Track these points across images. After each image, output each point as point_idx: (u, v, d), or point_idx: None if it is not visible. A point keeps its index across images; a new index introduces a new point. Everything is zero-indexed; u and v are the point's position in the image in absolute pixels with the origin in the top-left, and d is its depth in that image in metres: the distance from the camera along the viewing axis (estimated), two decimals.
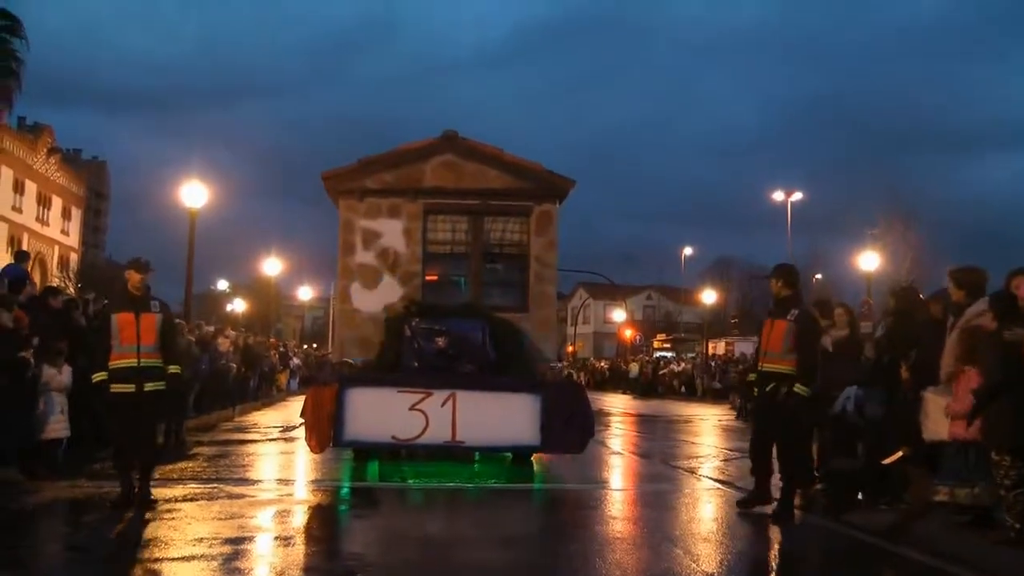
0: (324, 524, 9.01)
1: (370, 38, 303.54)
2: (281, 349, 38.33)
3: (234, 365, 23.07)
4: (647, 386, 46.96)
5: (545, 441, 11.75)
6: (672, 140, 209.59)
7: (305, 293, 71.66)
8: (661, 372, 48.17)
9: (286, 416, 23.24)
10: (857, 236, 43.26)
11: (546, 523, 9.62)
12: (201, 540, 7.53)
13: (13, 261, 16.55)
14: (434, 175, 13.64)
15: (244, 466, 13.17)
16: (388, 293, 13.40)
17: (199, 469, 12.21)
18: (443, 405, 11.55)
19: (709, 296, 58.45)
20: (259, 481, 11.50)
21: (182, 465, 12.51)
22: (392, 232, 13.48)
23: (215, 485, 10.68)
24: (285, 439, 17.02)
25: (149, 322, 9.37)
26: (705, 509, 10.35)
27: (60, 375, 11.23)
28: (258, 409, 25.74)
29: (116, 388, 8.98)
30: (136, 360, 9.16)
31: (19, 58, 32.02)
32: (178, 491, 10.06)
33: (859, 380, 9.67)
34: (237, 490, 10.36)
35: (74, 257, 64.89)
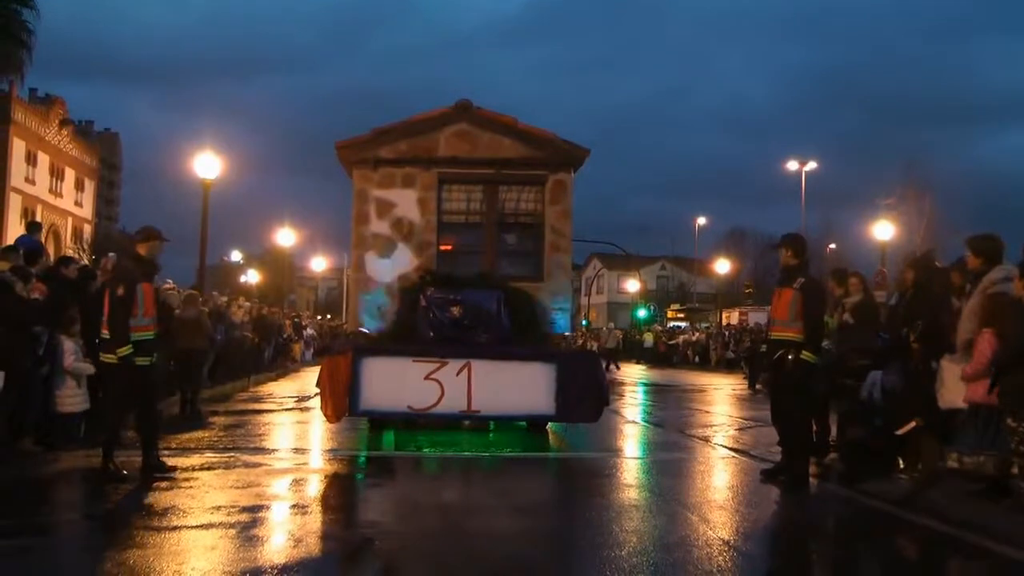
0: (340, 493, 9.03)
1: (383, 10, 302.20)
2: (295, 320, 38.41)
3: (249, 335, 23.13)
4: (661, 356, 46.98)
5: (560, 410, 11.75)
6: (686, 113, 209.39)
7: (319, 264, 71.70)
8: (672, 342, 48.16)
9: (300, 386, 23.33)
10: (870, 207, 43.03)
11: (562, 491, 9.66)
12: (219, 508, 7.57)
13: (26, 232, 16.56)
14: (448, 145, 13.56)
15: (260, 436, 13.22)
16: (403, 263, 13.36)
17: (215, 439, 12.26)
18: (458, 374, 11.55)
19: (723, 266, 58.27)
20: (275, 450, 11.54)
21: (199, 435, 12.58)
22: (406, 202, 13.42)
23: (231, 454, 10.73)
24: (300, 409, 17.10)
25: (153, 292, 9.45)
26: (720, 477, 10.36)
27: (78, 348, 11.25)
28: (273, 380, 25.81)
29: (140, 360, 8.97)
30: (154, 332, 9.22)
31: (29, 29, 32.07)
32: (195, 460, 10.11)
33: (879, 363, 9.70)
34: (253, 459, 10.40)
35: (88, 228, 65.07)
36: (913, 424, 9.04)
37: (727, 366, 38.66)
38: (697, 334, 48.46)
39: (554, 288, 13.59)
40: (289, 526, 7.16)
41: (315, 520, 7.52)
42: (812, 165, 47.64)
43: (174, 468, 9.15)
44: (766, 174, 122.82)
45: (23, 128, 54.53)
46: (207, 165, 23.77)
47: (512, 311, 12.49)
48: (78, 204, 64.04)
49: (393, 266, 13.34)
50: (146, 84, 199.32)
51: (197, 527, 6.88)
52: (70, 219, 62.06)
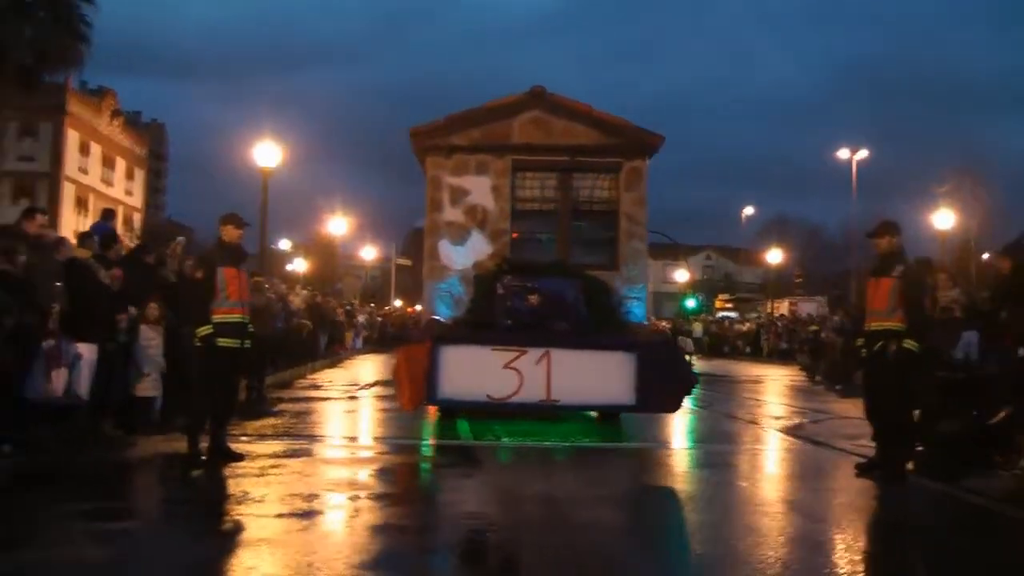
0: (432, 483, 8.95)
1: (428, 3, 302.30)
2: (348, 307, 38.48)
3: (307, 323, 23.14)
4: (712, 346, 46.55)
5: (640, 400, 11.59)
6: (728, 101, 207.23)
7: (368, 253, 71.69)
8: (729, 333, 47.71)
9: (356, 374, 23.37)
10: (922, 196, 42.36)
11: (653, 482, 9.43)
12: (313, 497, 7.50)
13: (100, 220, 16.62)
14: (522, 131, 13.45)
15: (331, 423, 13.20)
16: (477, 250, 13.27)
17: (288, 426, 12.24)
18: (537, 363, 11.42)
19: (775, 255, 57.57)
20: (352, 438, 11.49)
21: (271, 422, 12.56)
22: (480, 189, 13.33)
23: (309, 442, 10.70)
24: (368, 397, 17.03)
25: (246, 278, 9.40)
26: (810, 470, 10.13)
27: (156, 334, 11.27)
28: (328, 367, 25.85)
29: (222, 343, 8.91)
30: (242, 315, 9.16)
31: (88, 22, 32.29)
32: (275, 447, 10.09)
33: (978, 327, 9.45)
34: (333, 447, 10.37)
35: (138, 217, 65.58)
36: (1003, 414, 8.79)
37: (780, 357, 38.21)
38: (748, 324, 47.98)
39: (629, 276, 13.44)
40: (392, 516, 7.04)
41: (415, 510, 7.43)
42: (863, 153, 46.84)
43: (244, 455, 9.08)
44: (811, 163, 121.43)
45: (77, 119, 55.13)
46: (266, 153, 23.76)
47: (589, 300, 12.34)
48: (128, 193, 64.55)
49: (467, 253, 13.23)
50: (191, 76, 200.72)
51: (295, 515, 6.79)
52: (121, 207, 62.50)
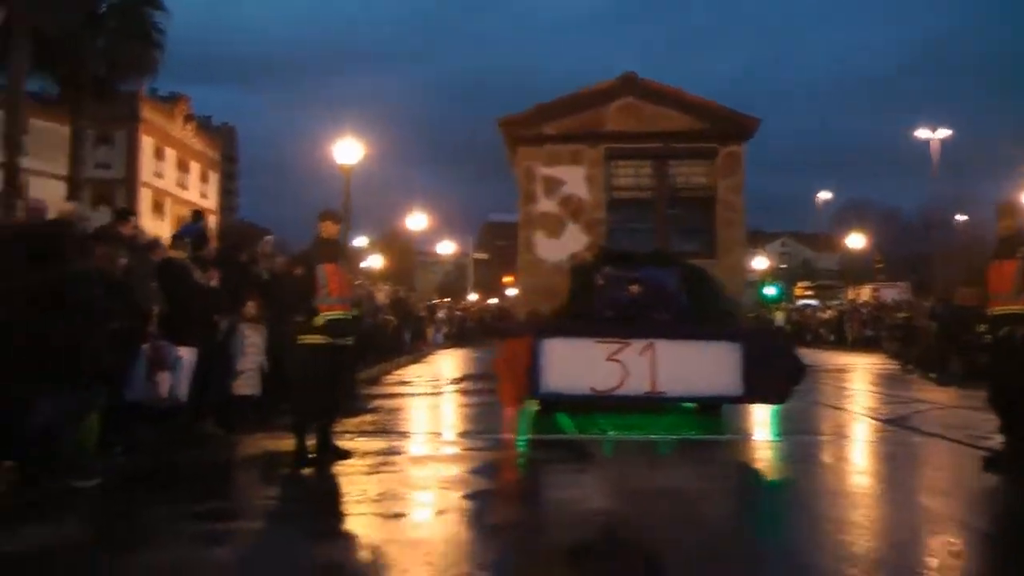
0: (548, 478, 8.70)
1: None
2: (430, 303, 38.54)
3: (392, 318, 23.14)
4: (794, 334, 45.70)
5: (747, 390, 11.26)
6: (795, 84, 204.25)
7: (446, 247, 71.65)
8: (805, 321, 46.86)
9: (441, 370, 23.27)
10: (1006, 176, 41.11)
11: (775, 476, 9.11)
12: (426, 495, 7.38)
13: (190, 221, 16.67)
14: (615, 119, 13.21)
15: (430, 419, 13.09)
16: (572, 241, 13.03)
17: (386, 421, 12.20)
18: (641, 355, 11.16)
19: (856, 240, 56.32)
20: (454, 434, 11.35)
21: (369, 418, 12.47)
22: (575, 178, 13.12)
23: (410, 438, 10.66)
24: (458, 392, 16.90)
25: (346, 274, 9.28)
26: (932, 463, 9.74)
27: (254, 332, 11.24)
28: (412, 363, 25.79)
29: (325, 339, 8.80)
30: (343, 312, 9.05)
31: (161, 29, 32.64)
32: (377, 444, 9.99)
33: None
34: (438, 443, 10.27)
35: (214, 219, 66.47)
36: None
37: (865, 344, 37.37)
38: (830, 311, 47.05)
39: (729, 264, 13.11)
40: (516, 514, 6.93)
41: (538, 508, 7.27)
42: (944, 132, 45.61)
43: (351, 453, 8.97)
44: (878, 143, 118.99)
45: (151, 125, 55.98)
46: (347, 151, 23.80)
47: (691, 289, 12.05)
48: (203, 196, 65.37)
49: (563, 244, 13.01)
50: (257, 80, 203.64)
51: (415, 514, 6.71)
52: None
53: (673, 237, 13.18)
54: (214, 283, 10.96)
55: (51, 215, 9.86)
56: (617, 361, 11.13)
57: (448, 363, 26.93)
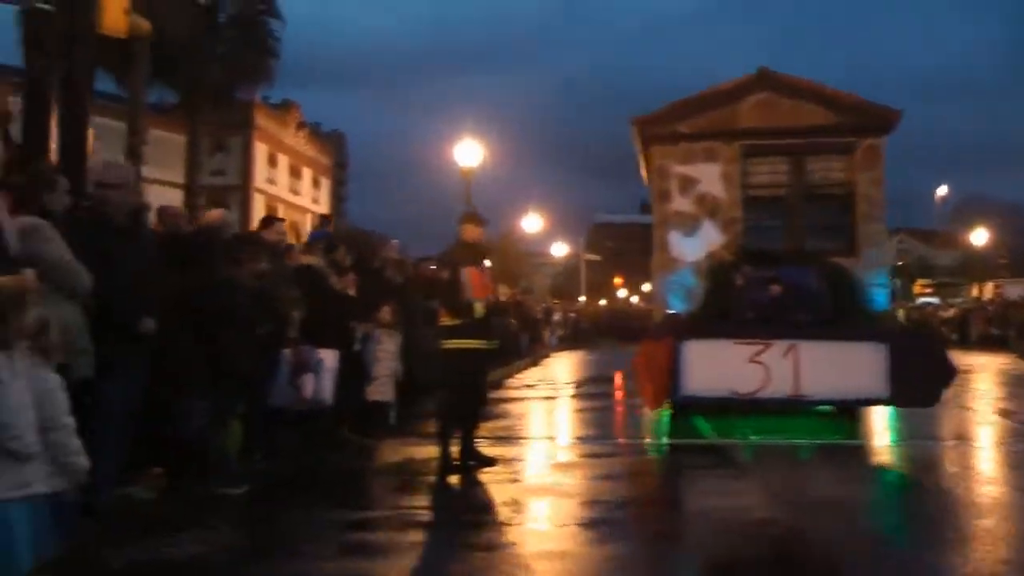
0: (701, 485, 8.47)
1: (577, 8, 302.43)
2: (545, 306, 38.47)
3: (514, 321, 23.09)
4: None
5: (894, 393, 10.84)
6: (903, 77, 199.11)
7: (560, 249, 71.25)
8: (926, 320, 45.51)
9: (561, 373, 23.12)
10: None
11: (934, 484, 8.63)
12: (580, 503, 7.17)
13: (319, 226, 16.83)
14: (750, 115, 12.91)
15: (563, 423, 12.95)
16: (708, 240, 12.77)
17: (520, 427, 12.11)
18: (784, 356, 10.83)
19: (979, 236, 54.47)
20: (592, 438, 11.15)
21: (502, 423, 12.30)
22: (710, 177, 12.85)
23: (548, 443, 10.53)
24: (584, 396, 16.72)
25: (487, 277, 9.19)
26: None
27: (389, 338, 11.25)
28: (532, 366, 25.68)
29: (468, 344, 8.70)
30: (486, 316, 8.97)
31: (277, 36, 33.22)
32: (516, 450, 9.91)
33: None
34: (575, 449, 10.08)
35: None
36: None
37: (991, 343, 36.09)
38: (952, 309, 45.60)
39: (870, 262, 12.69)
40: (678, 524, 6.73)
41: (699, 517, 7.01)
42: None
43: (495, 460, 8.81)
44: (994, 138, 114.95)
45: (264, 132, 57.21)
46: (467, 153, 23.88)
47: (833, 288, 11.69)
48: (315, 201, 66.50)
49: (699, 244, 12.77)
50: (364, 85, 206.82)
51: (574, 525, 6.44)
52: (308, 216, 64.56)
53: (810, 235, 12.81)
54: (351, 291, 11.00)
55: (200, 222, 9.99)
56: (759, 363, 10.81)
57: (567, 365, 26.78)
